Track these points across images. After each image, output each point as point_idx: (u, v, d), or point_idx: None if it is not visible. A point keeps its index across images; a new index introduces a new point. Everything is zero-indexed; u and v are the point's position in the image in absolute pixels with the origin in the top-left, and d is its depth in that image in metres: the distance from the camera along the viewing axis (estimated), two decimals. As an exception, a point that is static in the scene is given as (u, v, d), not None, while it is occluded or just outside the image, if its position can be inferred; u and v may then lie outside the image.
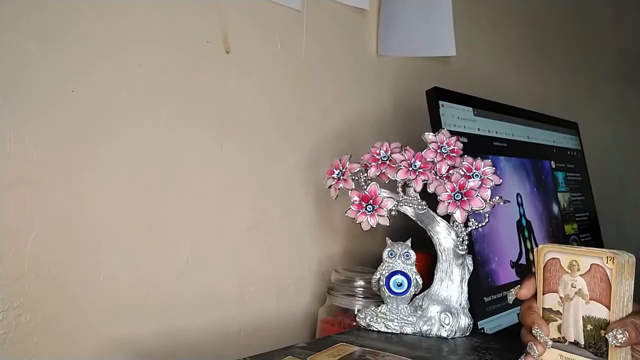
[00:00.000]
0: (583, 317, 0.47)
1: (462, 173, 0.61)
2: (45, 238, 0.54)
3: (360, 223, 0.61)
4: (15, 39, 0.52)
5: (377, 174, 0.62)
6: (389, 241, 0.64)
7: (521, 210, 0.89)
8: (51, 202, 0.55)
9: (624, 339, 0.44)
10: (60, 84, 0.55)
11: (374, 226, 0.61)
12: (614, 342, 0.44)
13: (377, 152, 0.62)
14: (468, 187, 0.60)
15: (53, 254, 0.55)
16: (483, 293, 0.76)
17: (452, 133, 0.64)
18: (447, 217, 0.62)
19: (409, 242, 0.64)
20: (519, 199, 0.89)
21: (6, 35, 0.51)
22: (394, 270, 0.63)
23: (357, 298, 0.70)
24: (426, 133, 0.64)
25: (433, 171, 0.62)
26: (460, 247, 0.62)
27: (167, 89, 0.63)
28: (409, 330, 0.62)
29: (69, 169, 0.56)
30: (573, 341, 0.48)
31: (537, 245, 0.89)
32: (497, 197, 0.62)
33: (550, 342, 0.48)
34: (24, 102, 0.53)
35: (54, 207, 0.55)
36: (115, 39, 0.59)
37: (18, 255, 0.53)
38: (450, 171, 0.62)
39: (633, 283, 0.46)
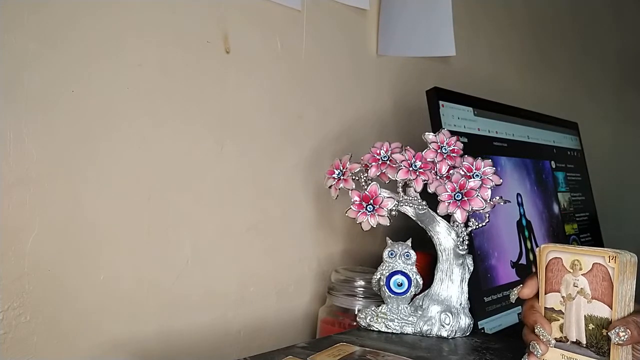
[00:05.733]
0: (585, 316, 0.47)
1: (463, 173, 0.61)
2: (45, 238, 0.54)
3: (360, 223, 0.61)
4: (15, 39, 0.52)
5: (378, 174, 0.62)
6: (389, 241, 0.64)
7: (521, 210, 0.89)
8: (51, 202, 0.54)
9: (626, 337, 0.43)
10: (60, 84, 0.55)
11: (374, 226, 0.61)
12: (617, 340, 0.44)
13: (378, 152, 0.62)
14: (468, 187, 0.60)
15: (53, 254, 0.55)
16: (483, 293, 0.76)
17: (452, 133, 0.64)
18: (448, 217, 0.62)
19: (409, 242, 0.64)
20: (519, 199, 0.89)
21: (6, 35, 0.51)
22: (394, 270, 0.63)
23: (357, 298, 0.70)
24: (426, 133, 0.64)
25: (433, 171, 0.62)
26: (461, 247, 0.62)
27: (167, 89, 0.63)
28: (409, 330, 0.62)
29: (69, 169, 0.56)
30: (575, 340, 0.48)
31: (537, 245, 0.89)
32: (498, 197, 0.62)
33: (553, 341, 0.48)
34: (24, 102, 0.53)
35: (54, 207, 0.55)
36: (115, 39, 0.59)
37: (18, 255, 0.52)
38: (451, 171, 0.62)
39: (635, 282, 0.46)
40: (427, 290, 0.63)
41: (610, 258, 0.45)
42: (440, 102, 0.77)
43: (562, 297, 0.48)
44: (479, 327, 0.72)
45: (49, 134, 0.54)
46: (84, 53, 0.56)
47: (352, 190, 0.62)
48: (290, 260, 0.76)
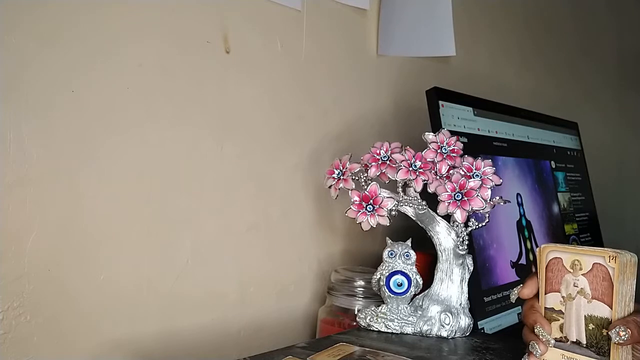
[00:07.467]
0: (585, 316, 0.47)
1: (463, 173, 0.61)
2: (45, 238, 0.54)
3: (360, 223, 0.61)
4: (15, 39, 0.52)
5: (378, 174, 0.62)
6: (389, 241, 0.64)
7: (521, 210, 0.89)
8: (51, 202, 0.54)
9: (626, 336, 0.43)
10: (60, 84, 0.55)
11: (374, 226, 0.61)
12: (617, 339, 0.44)
13: (378, 152, 0.62)
14: (468, 187, 0.60)
15: (53, 254, 0.55)
16: (483, 293, 0.76)
17: (452, 133, 0.64)
18: (447, 217, 0.62)
19: (409, 242, 0.64)
20: (519, 199, 0.89)
21: (6, 35, 0.51)
22: (394, 270, 0.63)
23: (357, 298, 0.70)
24: (426, 133, 0.64)
25: (433, 171, 0.62)
26: (461, 247, 0.62)
27: (167, 89, 0.63)
28: (409, 330, 0.62)
29: (69, 169, 0.56)
30: (575, 340, 0.48)
31: (537, 245, 0.89)
32: (497, 197, 0.62)
33: (552, 341, 0.48)
34: (23, 103, 0.53)
35: (54, 207, 0.55)
36: (115, 39, 0.59)
37: (18, 255, 0.52)
38: (451, 171, 0.62)
39: (635, 282, 0.46)
40: (427, 290, 0.63)
41: (611, 258, 0.45)
42: (440, 102, 0.77)
43: (562, 297, 0.48)
44: (479, 327, 0.72)
45: (49, 134, 0.54)
46: (84, 53, 0.56)
47: (352, 190, 0.62)
48: (290, 260, 0.76)
